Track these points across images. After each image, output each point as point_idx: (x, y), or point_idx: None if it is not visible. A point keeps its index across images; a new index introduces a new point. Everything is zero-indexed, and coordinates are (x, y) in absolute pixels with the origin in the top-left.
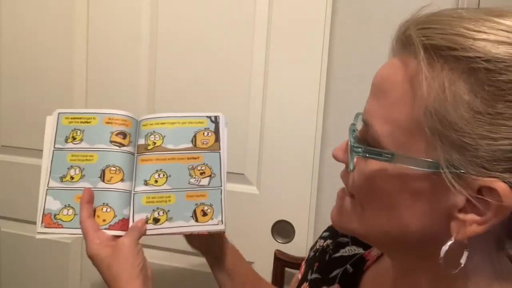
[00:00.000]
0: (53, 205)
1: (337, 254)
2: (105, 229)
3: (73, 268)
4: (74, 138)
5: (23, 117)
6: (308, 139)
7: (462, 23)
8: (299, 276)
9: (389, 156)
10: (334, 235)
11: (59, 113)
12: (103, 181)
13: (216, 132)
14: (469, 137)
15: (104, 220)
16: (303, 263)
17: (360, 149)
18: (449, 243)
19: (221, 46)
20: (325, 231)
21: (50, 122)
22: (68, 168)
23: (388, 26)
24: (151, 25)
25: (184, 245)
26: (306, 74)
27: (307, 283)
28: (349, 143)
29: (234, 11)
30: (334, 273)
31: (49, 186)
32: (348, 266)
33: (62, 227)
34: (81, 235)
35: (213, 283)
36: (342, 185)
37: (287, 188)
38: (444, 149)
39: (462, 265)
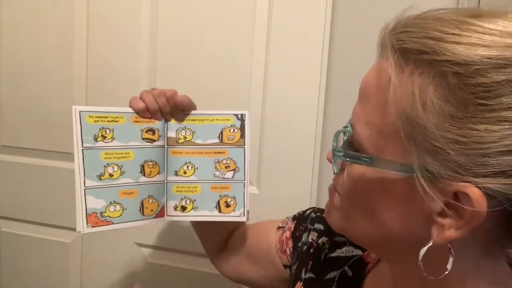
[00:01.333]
0: (97, 203)
1: (333, 254)
2: (153, 217)
3: (73, 268)
4: (104, 137)
5: (23, 117)
6: (308, 139)
7: (437, 26)
8: (288, 234)
9: (367, 160)
10: (330, 232)
11: (80, 111)
12: (144, 175)
13: (242, 129)
14: (441, 141)
15: (151, 210)
16: (290, 236)
17: (340, 153)
18: (426, 246)
19: (221, 45)
20: (317, 220)
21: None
22: (105, 166)
23: None
24: (151, 25)
25: (185, 245)
26: (306, 74)
27: (301, 283)
28: (332, 147)
29: (234, 11)
30: (331, 275)
31: (86, 186)
32: (346, 268)
33: (112, 223)
34: (132, 227)
35: (213, 283)
36: None
37: (287, 188)
38: (418, 153)
39: (448, 271)
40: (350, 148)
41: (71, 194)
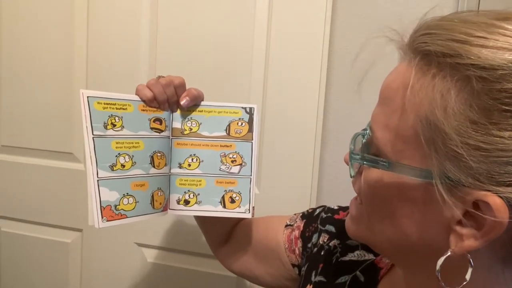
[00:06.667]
0: (111, 196)
1: (345, 258)
2: (161, 211)
3: (73, 268)
4: (114, 125)
5: (23, 117)
6: (308, 139)
7: (462, 28)
8: (297, 234)
9: (385, 164)
10: (342, 235)
11: (88, 96)
12: (154, 167)
13: (250, 123)
14: (462, 147)
15: (160, 203)
16: (299, 234)
17: (358, 156)
18: (445, 256)
19: (221, 43)
20: (328, 222)
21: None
22: (116, 156)
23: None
24: (151, 23)
25: (185, 245)
26: (306, 73)
27: (311, 286)
28: (349, 150)
29: (234, 11)
30: (342, 279)
31: (99, 176)
32: (358, 273)
33: (126, 217)
34: (143, 220)
35: (213, 283)
36: (342, 184)
37: (287, 188)
38: (438, 159)
39: (467, 281)
40: (368, 152)
41: (71, 194)
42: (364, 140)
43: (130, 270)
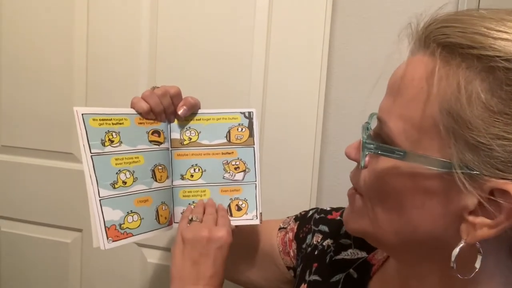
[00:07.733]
0: (115, 215)
1: (339, 257)
2: (167, 225)
3: (73, 268)
4: (111, 141)
5: (23, 117)
6: (308, 138)
7: (483, 22)
8: (291, 236)
9: (401, 153)
10: (335, 234)
11: (83, 114)
12: (156, 180)
13: (250, 127)
14: (484, 137)
15: (165, 218)
16: (293, 234)
17: (372, 145)
18: (460, 246)
19: (221, 44)
20: (321, 222)
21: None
22: (117, 173)
23: (389, 25)
24: (151, 25)
25: None
26: (306, 73)
27: (306, 285)
28: (361, 140)
29: (234, 11)
30: (336, 277)
31: (101, 196)
32: (351, 270)
33: (132, 235)
34: (149, 237)
35: None
36: (342, 184)
37: (287, 188)
38: (458, 148)
39: (477, 269)
40: (377, 142)
41: (71, 194)
42: (368, 132)
43: (130, 270)
